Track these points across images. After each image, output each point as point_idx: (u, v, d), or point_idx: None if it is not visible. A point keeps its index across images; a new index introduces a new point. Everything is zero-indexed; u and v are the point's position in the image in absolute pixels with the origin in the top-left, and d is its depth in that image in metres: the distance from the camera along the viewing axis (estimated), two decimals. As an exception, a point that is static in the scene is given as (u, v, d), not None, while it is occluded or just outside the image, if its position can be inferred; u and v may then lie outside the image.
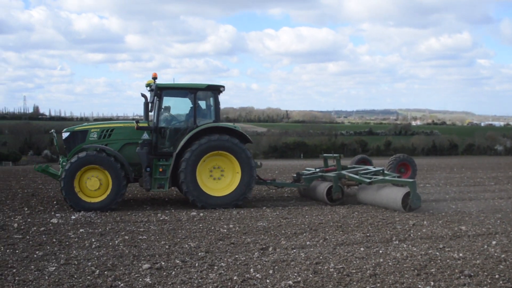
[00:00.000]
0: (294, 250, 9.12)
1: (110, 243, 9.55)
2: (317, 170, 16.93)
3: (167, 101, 14.69)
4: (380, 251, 9.02)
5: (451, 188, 19.70)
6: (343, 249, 9.19)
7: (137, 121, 14.47)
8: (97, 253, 8.77)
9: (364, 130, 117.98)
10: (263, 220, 12.10)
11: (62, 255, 8.62)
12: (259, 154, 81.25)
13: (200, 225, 11.44)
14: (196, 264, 8.11)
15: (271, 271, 7.71)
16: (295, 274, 7.57)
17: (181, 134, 14.30)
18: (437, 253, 8.85)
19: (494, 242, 9.76)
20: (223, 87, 14.88)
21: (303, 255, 8.71)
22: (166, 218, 12.36)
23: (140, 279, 7.29)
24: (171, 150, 14.19)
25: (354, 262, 8.28)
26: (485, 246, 9.43)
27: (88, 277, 7.36)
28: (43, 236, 10.16)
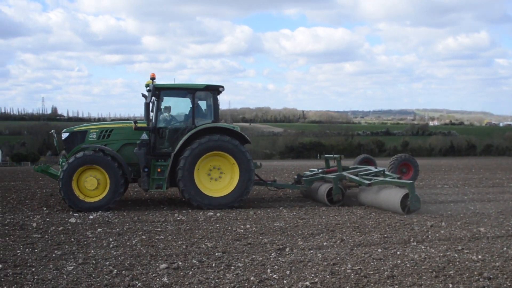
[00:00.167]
0: (311, 251, 9.09)
1: (128, 243, 9.60)
2: (319, 171, 16.84)
3: (167, 101, 14.68)
4: (398, 253, 8.95)
5: (469, 189, 19.52)
6: (361, 250, 9.13)
7: (136, 122, 14.50)
8: (114, 253, 8.82)
9: (381, 130, 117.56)
10: (280, 221, 12.08)
11: (80, 255, 8.68)
12: (275, 154, 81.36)
13: (217, 225, 11.46)
14: (213, 264, 8.11)
15: (288, 272, 7.69)
16: (312, 275, 7.55)
17: (180, 135, 14.27)
18: (456, 255, 8.76)
19: (513, 244, 9.64)
20: (222, 87, 14.81)
21: (320, 256, 8.68)
22: (183, 218, 12.40)
23: (158, 279, 7.31)
24: (170, 150, 14.14)
25: (372, 263, 8.23)
26: (505, 248, 9.31)
27: (106, 277, 7.40)
28: (62, 236, 10.24)
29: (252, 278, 7.33)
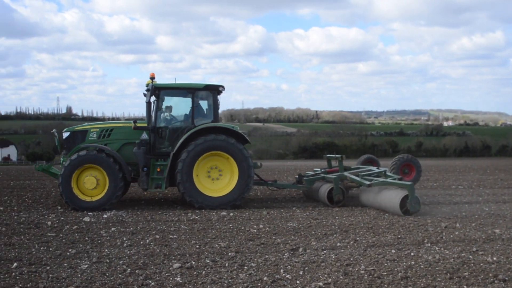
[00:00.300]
0: (325, 251, 9.07)
1: (141, 242, 9.65)
2: (321, 171, 16.78)
3: (169, 101, 14.68)
4: (412, 254, 8.90)
5: (484, 190, 19.36)
6: (374, 251, 9.10)
7: (135, 121, 14.53)
8: (128, 252, 8.87)
9: (394, 130, 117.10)
10: (293, 221, 12.07)
11: (94, 253, 8.73)
12: (288, 155, 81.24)
13: (230, 225, 11.47)
14: (226, 264, 8.12)
15: (301, 272, 7.68)
16: (325, 275, 7.53)
17: (179, 134, 14.26)
18: (470, 257, 8.70)
19: (529, 246, 9.55)
20: (222, 87, 14.77)
21: (333, 256, 8.65)
22: (197, 217, 12.43)
23: (171, 278, 7.33)
24: (169, 150, 14.13)
25: (385, 264, 8.19)
26: (520, 250, 9.23)
27: (120, 276, 7.44)
28: (76, 235, 10.31)
29: (265, 278, 7.33)
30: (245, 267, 7.95)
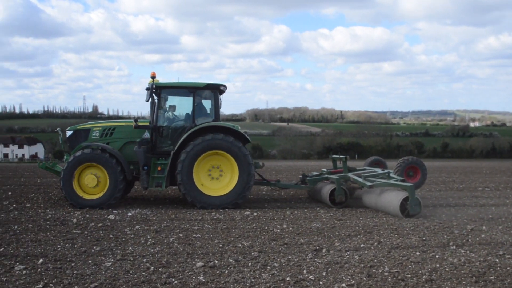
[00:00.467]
0: (348, 252, 9.01)
1: (165, 241, 9.70)
2: (326, 171, 16.69)
3: (172, 100, 14.70)
4: (437, 256, 8.80)
5: (511, 192, 19.06)
6: (398, 253, 9.01)
7: (136, 120, 14.58)
8: (152, 250, 8.92)
9: (420, 131, 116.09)
10: (317, 221, 12.02)
11: (118, 251, 8.80)
12: (313, 155, 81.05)
13: (254, 225, 11.47)
14: (249, 264, 8.12)
15: (324, 273, 7.64)
16: (349, 276, 7.48)
17: (180, 133, 14.26)
18: (497, 260, 8.56)
19: (558, 250, 9.36)
20: (224, 86, 14.75)
21: (357, 258, 8.60)
22: (220, 217, 12.46)
23: (194, 277, 7.36)
24: (170, 149, 14.14)
25: (410, 266, 8.11)
26: (548, 254, 9.06)
27: (143, 273, 7.49)
28: (101, 232, 10.42)
29: (288, 279, 7.31)
30: (268, 267, 7.94)
